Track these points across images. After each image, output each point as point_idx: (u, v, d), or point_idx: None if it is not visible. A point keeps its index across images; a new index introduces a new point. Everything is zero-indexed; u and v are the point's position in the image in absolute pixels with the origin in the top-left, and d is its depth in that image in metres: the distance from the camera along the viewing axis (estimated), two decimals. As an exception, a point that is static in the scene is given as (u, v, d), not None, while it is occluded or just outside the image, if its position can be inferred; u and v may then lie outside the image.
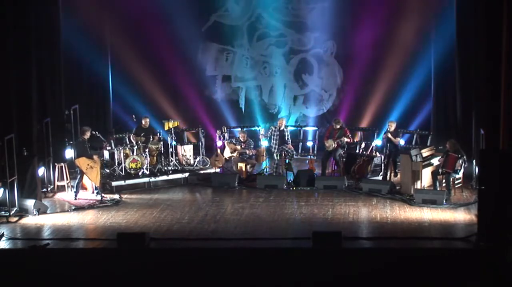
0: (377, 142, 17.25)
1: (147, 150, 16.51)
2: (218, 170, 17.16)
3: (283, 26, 19.69)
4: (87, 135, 15.38)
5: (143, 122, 17.11)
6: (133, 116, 17.42)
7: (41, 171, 15.40)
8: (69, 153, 16.30)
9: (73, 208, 14.69)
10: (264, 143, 17.25)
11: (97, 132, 15.73)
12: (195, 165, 17.47)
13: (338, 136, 16.51)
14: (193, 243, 12.43)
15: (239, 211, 14.29)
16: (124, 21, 18.97)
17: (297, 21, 19.64)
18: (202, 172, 17.15)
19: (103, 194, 15.30)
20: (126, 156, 16.42)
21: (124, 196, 15.52)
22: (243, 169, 16.83)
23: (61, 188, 16.09)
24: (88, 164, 15.21)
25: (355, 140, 17.80)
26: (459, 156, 14.61)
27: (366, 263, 11.42)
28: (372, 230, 12.99)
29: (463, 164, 14.66)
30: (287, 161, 16.70)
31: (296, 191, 15.76)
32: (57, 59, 16.70)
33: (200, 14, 19.58)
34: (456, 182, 15.03)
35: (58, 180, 16.14)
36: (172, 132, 17.33)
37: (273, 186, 15.92)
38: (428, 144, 17.24)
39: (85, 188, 15.89)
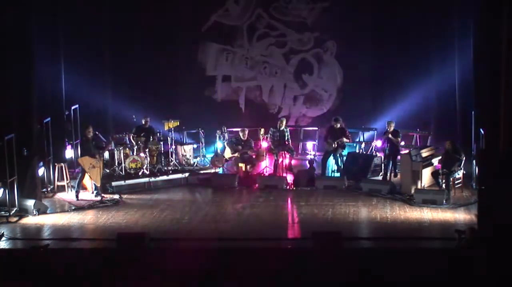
0: (377, 142, 17.23)
1: (147, 150, 16.51)
2: (218, 170, 17.15)
3: (283, 26, 19.69)
4: (90, 133, 15.37)
5: (143, 122, 17.10)
6: (133, 116, 17.42)
7: (41, 171, 15.40)
8: (69, 153, 16.26)
9: (73, 208, 14.69)
10: (264, 143, 17.23)
11: (97, 132, 15.72)
12: (195, 165, 17.46)
13: (338, 136, 16.49)
14: (193, 243, 12.43)
15: (239, 211, 14.29)
16: (123, 20, 18.96)
17: (297, 21, 19.64)
18: (202, 172, 17.14)
19: (103, 194, 15.30)
20: (126, 156, 16.42)
21: (124, 196, 15.51)
22: (243, 169, 16.83)
23: (61, 188, 16.08)
24: (90, 163, 15.21)
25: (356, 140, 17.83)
26: (458, 157, 14.66)
27: (366, 263, 11.42)
28: (372, 230, 13.00)
29: (461, 166, 14.69)
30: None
31: (296, 191, 15.76)
32: (57, 58, 16.68)
33: (200, 14, 19.58)
34: (456, 182, 15.04)
35: (58, 180, 16.14)
36: (172, 132, 17.32)
37: (273, 186, 15.91)
38: (428, 144, 17.24)
39: (85, 188, 15.88)
